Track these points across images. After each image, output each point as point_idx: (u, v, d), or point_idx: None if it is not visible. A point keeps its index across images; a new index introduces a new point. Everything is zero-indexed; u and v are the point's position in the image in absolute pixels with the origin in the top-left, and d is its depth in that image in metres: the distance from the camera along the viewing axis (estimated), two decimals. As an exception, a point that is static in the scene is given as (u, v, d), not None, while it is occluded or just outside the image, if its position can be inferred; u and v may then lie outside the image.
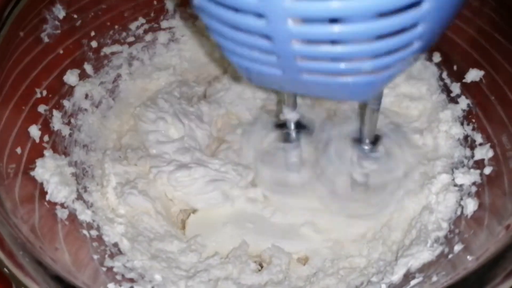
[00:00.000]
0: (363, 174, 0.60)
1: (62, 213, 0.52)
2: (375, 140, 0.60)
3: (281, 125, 0.64)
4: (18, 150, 0.52)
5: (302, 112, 0.62)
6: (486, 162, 0.53)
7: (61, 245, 0.47)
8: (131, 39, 0.71)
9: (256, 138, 0.65)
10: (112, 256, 0.52)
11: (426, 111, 0.66)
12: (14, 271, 0.38)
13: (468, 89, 0.60)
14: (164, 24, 0.74)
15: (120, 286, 0.46)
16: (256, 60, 0.35)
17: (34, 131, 0.55)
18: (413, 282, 0.45)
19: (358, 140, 0.61)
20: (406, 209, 0.57)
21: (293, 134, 0.62)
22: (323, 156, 0.61)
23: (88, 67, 0.66)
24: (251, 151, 0.64)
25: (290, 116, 0.58)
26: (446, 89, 0.64)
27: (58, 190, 0.52)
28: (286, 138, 0.63)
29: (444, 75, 0.65)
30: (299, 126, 0.63)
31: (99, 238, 0.54)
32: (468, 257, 0.41)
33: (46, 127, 0.57)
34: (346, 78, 0.34)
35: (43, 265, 0.38)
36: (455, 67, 0.63)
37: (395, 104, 0.68)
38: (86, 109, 0.65)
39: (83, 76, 0.65)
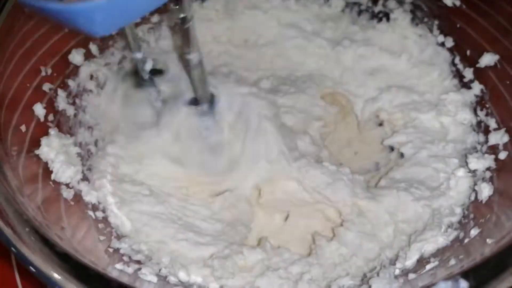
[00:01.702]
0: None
1: (67, 193, 0.51)
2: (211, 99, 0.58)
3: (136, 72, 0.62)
4: (23, 128, 0.51)
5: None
6: (501, 147, 0.52)
7: (66, 224, 0.46)
8: (137, 20, 0.70)
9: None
10: (118, 238, 0.51)
11: (436, 96, 0.65)
12: (21, 248, 0.37)
13: (482, 74, 0.59)
14: (170, 5, 0.72)
15: (128, 267, 0.44)
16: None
17: (39, 109, 0.53)
18: (428, 267, 0.44)
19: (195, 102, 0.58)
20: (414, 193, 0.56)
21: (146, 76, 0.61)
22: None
23: (93, 47, 0.64)
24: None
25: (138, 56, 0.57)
26: (459, 75, 0.63)
27: (63, 170, 0.51)
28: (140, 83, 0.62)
29: (457, 60, 0.63)
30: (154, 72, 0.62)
31: (105, 220, 0.53)
32: (487, 240, 0.40)
33: (51, 106, 0.56)
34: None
35: (50, 242, 0.37)
36: (468, 52, 0.61)
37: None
38: (91, 90, 0.64)
39: (88, 56, 0.64)
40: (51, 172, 0.51)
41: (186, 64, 0.52)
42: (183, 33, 0.46)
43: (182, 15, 0.45)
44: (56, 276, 0.34)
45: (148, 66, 0.61)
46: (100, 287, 0.34)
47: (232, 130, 0.59)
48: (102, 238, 0.49)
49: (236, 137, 0.59)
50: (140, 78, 0.62)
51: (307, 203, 0.58)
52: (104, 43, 0.66)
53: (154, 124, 0.60)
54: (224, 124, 0.58)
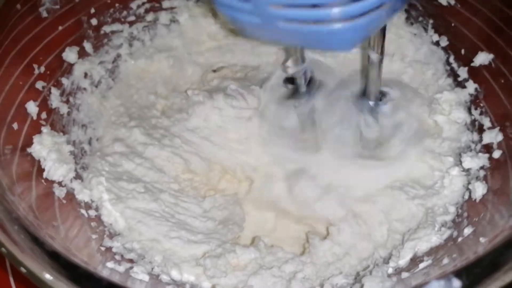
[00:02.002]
0: (372, 131, 0.59)
1: (59, 192, 0.50)
2: (382, 96, 0.58)
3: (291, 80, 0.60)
4: (15, 125, 0.50)
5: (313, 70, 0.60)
6: (495, 146, 0.52)
7: (58, 223, 0.45)
8: (131, 18, 0.69)
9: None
10: (111, 236, 0.51)
11: (430, 96, 0.64)
12: (11, 248, 0.37)
13: (476, 73, 0.59)
14: (165, 4, 0.72)
15: (120, 265, 0.44)
16: (235, 8, 0.36)
17: (32, 107, 0.53)
18: (421, 265, 0.44)
19: (363, 97, 0.58)
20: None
21: (303, 88, 0.57)
22: (329, 115, 0.61)
23: (87, 45, 0.64)
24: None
25: (295, 69, 0.53)
26: (453, 74, 0.63)
27: (56, 168, 0.51)
28: (295, 94, 0.59)
29: (451, 59, 0.63)
30: (310, 82, 0.58)
31: (98, 218, 0.53)
32: (480, 239, 0.40)
33: (44, 104, 0.56)
34: (319, 26, 0.34)
35: (40, 241, 0.36)
36: (463, 51, 0.61)
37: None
38: (85, 88, 0.64)
39: (82, 54, 0.63)
40: (43, 170, 0.50)
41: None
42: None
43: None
44: (46, 275, 0.34)
45: (306, 80, 0.57)
46: (90, 286, 0.33)
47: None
48: (94, 236, 0.49)
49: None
50: (294, 89, 0.60)
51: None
52: (99, 41, 0.66)
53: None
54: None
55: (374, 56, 0.49)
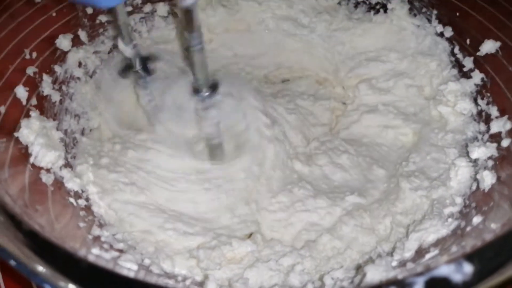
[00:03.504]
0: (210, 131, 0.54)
1: (47, 178, 0.48)
2: (214, 87, 0.50)
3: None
4: (2, 109, 0.48)
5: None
6: (503, 134, 0.50)
7: (43, 208, 0.43)
8: (128, 8, 0.68)
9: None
10: (100, 226, 0.48)
11: (434, 87, 0.63)
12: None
13: (482, 62, 0.57)
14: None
15: (106, 252, 0.42)
16: None
17: (21, 92, 0.51)
18: (428, 256, 0.41)
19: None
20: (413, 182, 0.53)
21: (140, 71, 0.55)
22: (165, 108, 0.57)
23: (82, 34, 0.63)
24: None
25: (128, 51, 0.52)
26: (458, 64, 0.61)
27: (43, 154, 0.48)
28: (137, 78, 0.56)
29: (456, 49, 0.61)
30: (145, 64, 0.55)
31: (87, 208, 0.50)
32: (492, 225, 0.37)
33: (34, 90, 0.54)
34: None
35: (16, 219, 0.34)
36: (468, 41, 0.59)
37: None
38: (79, 78, 0.62)
39: (76, 43, 0.62)
40: (30, 155, 0.48)
41: (187, 49, 0.48)
42: (186, 14, 0.42)
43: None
44: (21, 255, 0.31)
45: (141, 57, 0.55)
46: (68, 267, 0.31)
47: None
48: (82, 225, 0.46)
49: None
50: (131, 67, 0.56)
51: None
52: (94, 30, 0.65)
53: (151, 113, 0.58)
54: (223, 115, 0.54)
55: (196, 39, 0.43)
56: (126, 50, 0.52)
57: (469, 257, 0.32)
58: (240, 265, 0.48)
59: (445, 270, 0.31)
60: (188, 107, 0.55)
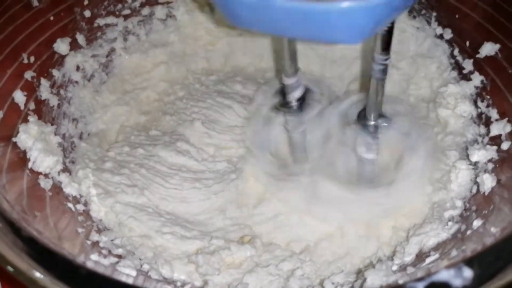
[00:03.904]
0: (370, 154, 0.55)
1: (45, 184, 0.48)
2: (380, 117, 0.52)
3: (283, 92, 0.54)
4: (0, 114, 0.48)
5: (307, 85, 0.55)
6: (503, 137, 0.50)
7: (41, 214, 0.43)
8: (126, 11, 0.68)
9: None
10: (99, 231, 0.48)
11: (434, 90, 0.62)
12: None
13: (482, 65, 0.57)
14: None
15: (105, 259, 0.41)
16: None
17: (19, 96, 0.51)
18: (428, 260, 0.41)
19: (362, 118, 0.53)
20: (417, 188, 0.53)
21: (295, 105, 0.53)
22: (320, 138, 0.55)
23: (80, 38, 0.62)
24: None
25: (290, 81, 0.50)
26: (458, 67, 0.61)
27: (42, 159, 0.48)
28: (287, 109, 0.54)
29: (456, 52, 0.61)
30: (304, 99, 0.54)
31: (86, 213, 0.50)
32: (492, 229, 0.37)
33: (32, 95, 0.54)
34: (322, 5, 0.30)
35: (15, 226, 0.34)
36: (467, 43, 0.59)
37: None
38: (77, 82, 0.62)
39: (74, 46, 0.62)
40: (29, 160, 0.48)
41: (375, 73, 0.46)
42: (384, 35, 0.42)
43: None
44: (20, 262, 0.31)
45: (298, 93, 0.52)
46: (67, 274, 0.31)
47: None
48: (81, 230, 0.46)
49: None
50: (284, 102, 0.54)
51: None
52: (92, 34, 0.65)
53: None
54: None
55: (379, 73, 0.43)
56: (288, 81, 0.50)
57: (469, 261, 0.32)
58: (240, 270, 0.47)
59: (445, 275, 0.31)
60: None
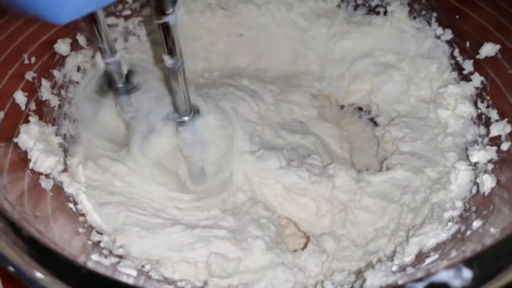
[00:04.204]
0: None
1: (46, 184, 0.48)
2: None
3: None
4: (1, 115, 0.48)
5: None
6: (503, 138, 0.50)
7: (42, 214, 0.43)
8: (127, 12, 0.68)
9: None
10: (100, 231, 0.48)
11: (434, 90, 0.62)
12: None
13: (482, 65, 0.57)
14: None
15: (106, 259, 0.41)
16: None
17: (20, 97, 0.51)
18: (428, 260, 0.41)
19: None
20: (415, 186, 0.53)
21: (118, 84, 0.52)
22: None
23: (80, 38, 0.62)
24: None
25: (110, 60, 0.48)
26: (458, 67, 0.61)
27: (43, 159, 0.48)
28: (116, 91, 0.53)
29: (456, 52, 0.61)
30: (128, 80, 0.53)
31: (87, 214, 0.50)
32: (491, 230, 0.37)
33: (33, 95, 0.54)
34: None
35: (16, 226, 0.34)
36: (467, 44, 0.59)
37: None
38: (77, 82, 0.62)
39: (75, 47, 0.62)
40: (30, 160, 0.48)
41: (166, 71, 0.45)
42: (164, 33, 0.41)
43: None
44: (21, 262, 0.31)
45: (123, 73, 0.52)
46: (68, 274, 0.31)
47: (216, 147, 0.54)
48: (81, 230, 0.46)
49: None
50: (112, 83, 0.53)
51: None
52: (92, 34, 0.64)
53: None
54: (208, 140, 0.52)
55: (174, 61, 0.41)
56: (108, 63, 0.49)
57: (468, 262, 0.32)
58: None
59: (444, 275, 0.31)
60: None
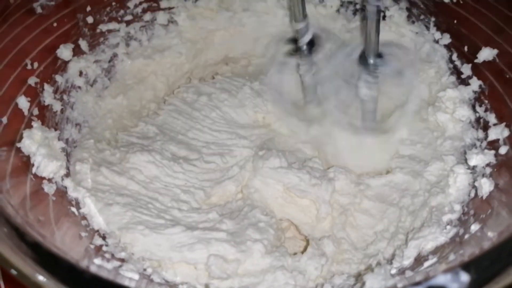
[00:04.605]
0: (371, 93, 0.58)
1: (49, 188, 0.48)
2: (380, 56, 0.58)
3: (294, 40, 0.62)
4: (4, 120, 0.49)
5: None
6: (501, 141, 0.50)
7: (45, 218, 0.43)
8: (128, 17, 0.69)
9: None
10: (102, 235, 0.49)
11: (433, 94, 0.63)
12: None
13: (480, 69, 0.58)
14: (163, 3, 0.71)
15: (108, 262, 0.42)
16: None
17: (23, 102, 0.52)
18: (426, 263, 0.42)
19: (363, 58, 0.58)
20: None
21: (304, 47, 0.60)
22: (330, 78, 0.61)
23: (83, 43, 0.63)
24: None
25: (300, 26, 0.57)
26: (456, 71, 0.61)
27: (46, 164, 0.49)
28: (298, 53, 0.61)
29: (454, 56, 0.62)
30: (311, 43, 0.60)
31: (90, 218, 0.50)
32: (489, 233, 0.38)
33: (36, 100, 0.54)
34: None
35: (19, 230, 0.34)
36: (466, 48, 0.60)
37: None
38: (80, 87, 0.63)
39: (77, 52, 0.62)
40: (33, 165, 0.48)
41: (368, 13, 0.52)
42: None
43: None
44: (24, 266, 0.31)
45: (308, 37, 0.59)
46: (71, 278, 0.31)
47: None
48: (84, 234, 0.47)
49: None
50: (296, 47, 0.62)
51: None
52: (94, 39, 0.65)
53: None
54: None
55: (372, 4, 0.49)
56: (298, 25, 0.57)
57: (466, 266, 0.32)
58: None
59: (442, 279, 0.31)
60: None
